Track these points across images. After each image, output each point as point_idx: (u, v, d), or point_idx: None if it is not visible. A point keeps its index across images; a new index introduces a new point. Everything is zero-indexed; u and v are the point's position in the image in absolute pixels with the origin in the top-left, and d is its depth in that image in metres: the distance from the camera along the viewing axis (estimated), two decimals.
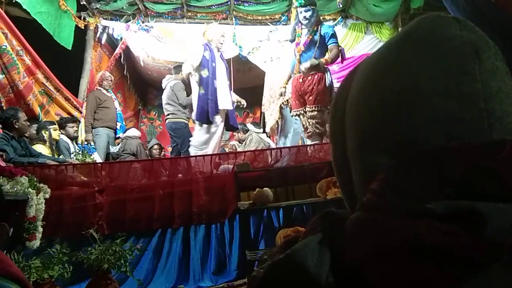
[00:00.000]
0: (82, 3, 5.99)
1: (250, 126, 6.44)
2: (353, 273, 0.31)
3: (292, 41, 4.56)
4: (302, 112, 4.40)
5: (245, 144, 5.89)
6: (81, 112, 5.80)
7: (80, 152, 4.81)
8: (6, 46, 4.22)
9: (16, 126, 3.85)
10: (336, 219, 0.37)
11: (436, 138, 0.35)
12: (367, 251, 0.30)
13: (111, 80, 6.00)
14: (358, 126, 0.41)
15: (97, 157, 5.07)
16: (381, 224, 0.31)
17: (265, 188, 3.05)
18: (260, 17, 6.90)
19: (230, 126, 4.79)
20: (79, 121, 5.65)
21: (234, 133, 6.43)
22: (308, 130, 4.40)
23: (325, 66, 4.35)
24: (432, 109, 0.35)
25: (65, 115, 5.35)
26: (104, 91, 5.78)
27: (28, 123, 4.11)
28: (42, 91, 4.98)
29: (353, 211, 0.36)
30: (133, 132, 5.93)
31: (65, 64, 5.76)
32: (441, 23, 0.38)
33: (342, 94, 0.45)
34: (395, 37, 0.41)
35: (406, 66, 0.37)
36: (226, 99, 4.63)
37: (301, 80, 4.38)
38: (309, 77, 4.32)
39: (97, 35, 6.49)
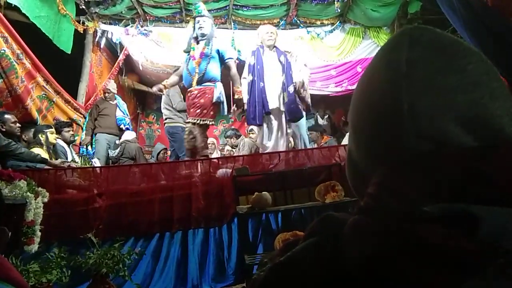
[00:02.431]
0: (81, 7, 6.01)
1: (256, 128, 6.46)
2: (353, 275, 0.31)
3: (187, 52, 4.53)
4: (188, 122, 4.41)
5: (238, 149, 5.89)
6: (81, 114, 5.86)
7: (81, 157, 4.91)
8: (5, 50, 4.21)
9: (4, 130, 3.86)
10: (335, 222, 0.38)
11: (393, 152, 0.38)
12: (366, 253, 0.31)
13: (110, 92, 6.19)
14: (353, 133, 0.43)
15: (97, 162, 5.14)
16: (379, 227, 0.31)
17: (263, 192, 3.05)
18: (258, 22, 6.91)
19: (290, 119, 4.61)
20: (80, 125, 5.73)
21: (227, 139, 6.44)
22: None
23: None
24: (388, 124, 0.38)
25: (64, 118, 5.36)
26: (110, 100, 6.13)
27: (19, 125, 4.11)
28: (43, 95, 4.98)
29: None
30: (130, 135, 5.93)
31: (64, 68, 5.78)
32: (391, 43, 0.41)
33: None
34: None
35: (366, 80, 0.42)
36: (275, 97, 4.61)
37: (194, 93, 4.39)
38: (196, 91, 4.35)
39: (96, 39, 6.51)
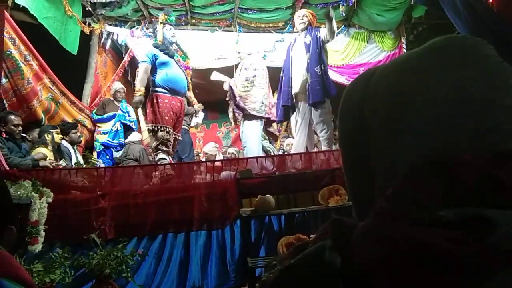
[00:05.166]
0: (87, 9, 6.05)
1: None
2: (363, 279, 0.31)
3: (170, 54, 4.62)
4: (170, 130, 4.50)
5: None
6: (86, 115, 5.91)
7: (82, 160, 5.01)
8: (11, 51, 4.24)
9: (3, 130, 3.93)
10: (345, 226, 0.38)
11: (477, 145, 0.36)
12: (377, 257, 0.31)
13: (124, 92, 6.30)
14: (394, 132, 0.41)
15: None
16: (392, 232, 0.31)
17: (267, 195, 3.04)
18: (263, 25, 6.94)
19: (311, 104, 4.38)
20: (85, 126, 5.79)
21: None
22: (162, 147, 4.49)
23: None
24: (478, 117, 0.37)
25: (70, 119, 5.41)
26: (116, 102, 6.19)
27: (21, 129, 4.14)
28: (50, 97, 5.01)
29: (361, 219, 0.37)
30: (136, 136, 5.94)
31: (69, 69, 5.81)
32: (477, 42, 0.40)
33: (354, 100, 0.46)
34: (428, 50, 0.42)
35: (450, 77, 0.39)
36: (297, 83, 4.51)
37: (183, 105, 4.69)
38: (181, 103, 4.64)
39: (102, 41, 6.55)
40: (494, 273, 0.26)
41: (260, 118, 4.71)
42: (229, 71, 6.92)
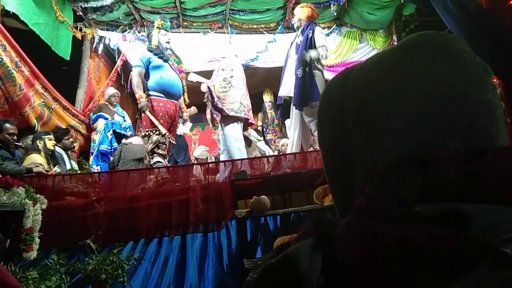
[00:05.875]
0: (78, 13, 6.04)
1: (252, 132, 6.45)
2: (344, 277, 0.31)
3: (164, 59, 4.74)
4: (165, 134, 4.59)
5: None
6: (80, 120, 5.88)
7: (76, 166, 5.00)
8: (2, 58, 4.21)
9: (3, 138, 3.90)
10: (328, 224, 0.38)
11: (453, 141, 0.37)
12: (357, 255, 0.31)
13: (118, 96, 6.28)
14: (372, 131, 0.41)
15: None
16: (370, 229, 0.32)
17: (262, 196, 3.04)
18: (255, 26, 6.95)
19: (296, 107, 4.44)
20: (79, 131, 5.77)
21: None
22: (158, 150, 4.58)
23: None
24: (453, 113, 0.37)
25: (63, 125, 5.38)
26: (111, 107, 6.16)
27: (15, 138, 4.11)
28: (42, 103, 4.99)
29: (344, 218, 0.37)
30: (137, 139, 5.91)
31: (62, 75, 5.79)
32: (450, 38, 0.41)
33: (332, 100, 0.46)
34: (401, 47, 0.42)
35: (425, 74, 0.39)
36: (285, 84, 4.55)
37: (176, 108, 4.77)
38: (176, 107, 4.74)
39: (94, 45, 6.53)
40: (470, 267, 0.27)
41: (239, 119, 4.69)
42: None
